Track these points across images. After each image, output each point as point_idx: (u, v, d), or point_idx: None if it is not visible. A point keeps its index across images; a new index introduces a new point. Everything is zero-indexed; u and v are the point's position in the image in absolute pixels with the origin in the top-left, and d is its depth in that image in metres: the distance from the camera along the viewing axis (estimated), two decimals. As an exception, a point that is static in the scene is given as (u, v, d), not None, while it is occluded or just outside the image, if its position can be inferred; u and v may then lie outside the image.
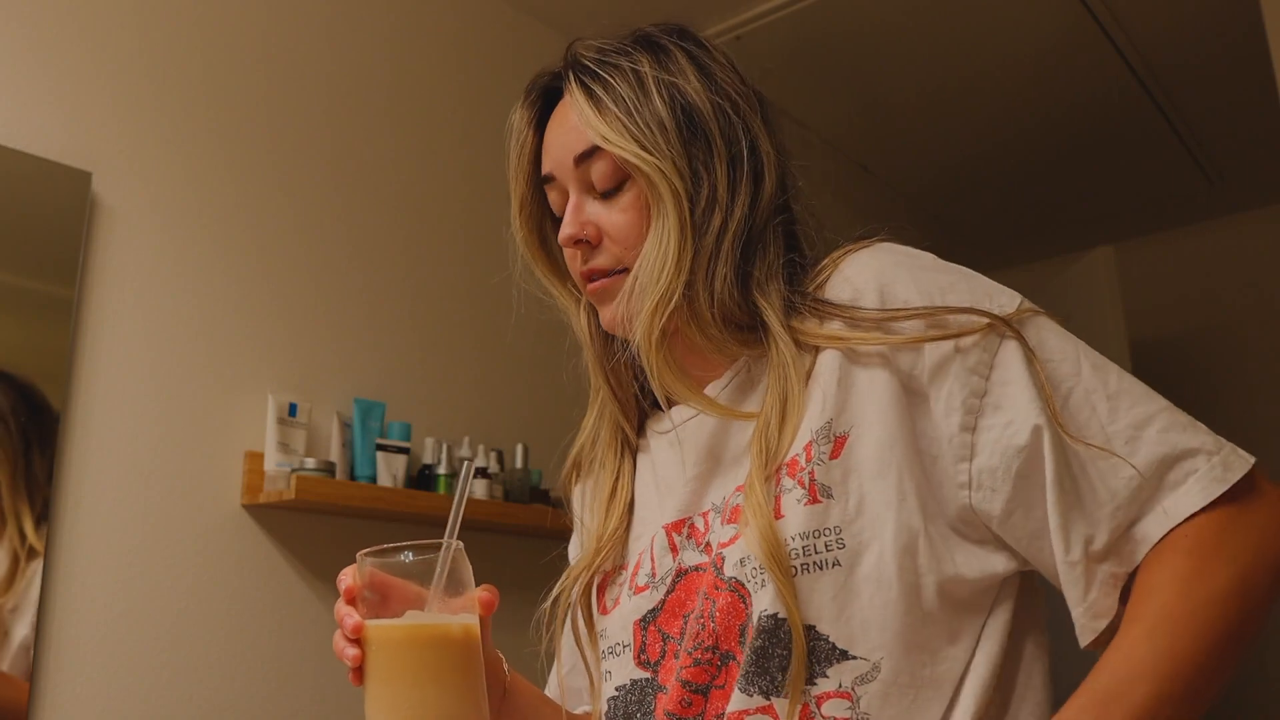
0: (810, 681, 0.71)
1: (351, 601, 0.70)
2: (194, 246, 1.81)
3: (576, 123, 0.81)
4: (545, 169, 0.85)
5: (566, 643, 0.88)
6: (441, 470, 1.99)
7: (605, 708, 0.83)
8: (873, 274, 0.77)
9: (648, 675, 0.80)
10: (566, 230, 0.82)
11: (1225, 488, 0.68)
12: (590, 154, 0.80)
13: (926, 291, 0.75)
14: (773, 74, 2.83)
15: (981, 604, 0.73)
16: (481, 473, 2.07)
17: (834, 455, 0.73)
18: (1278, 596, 0.68)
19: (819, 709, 0.71)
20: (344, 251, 2.05)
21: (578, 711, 0.90)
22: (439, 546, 0.69)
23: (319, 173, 2.03)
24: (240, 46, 1.94)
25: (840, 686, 0.70)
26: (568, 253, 0.85)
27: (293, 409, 1.84)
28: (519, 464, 2.14)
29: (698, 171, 0.79)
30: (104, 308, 1.67)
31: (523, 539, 2.17)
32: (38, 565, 1.53)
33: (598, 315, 0.86)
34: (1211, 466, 0.68)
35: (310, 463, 1.79)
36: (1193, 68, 2.85)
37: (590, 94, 0.80)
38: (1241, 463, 0.69)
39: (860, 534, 0.71)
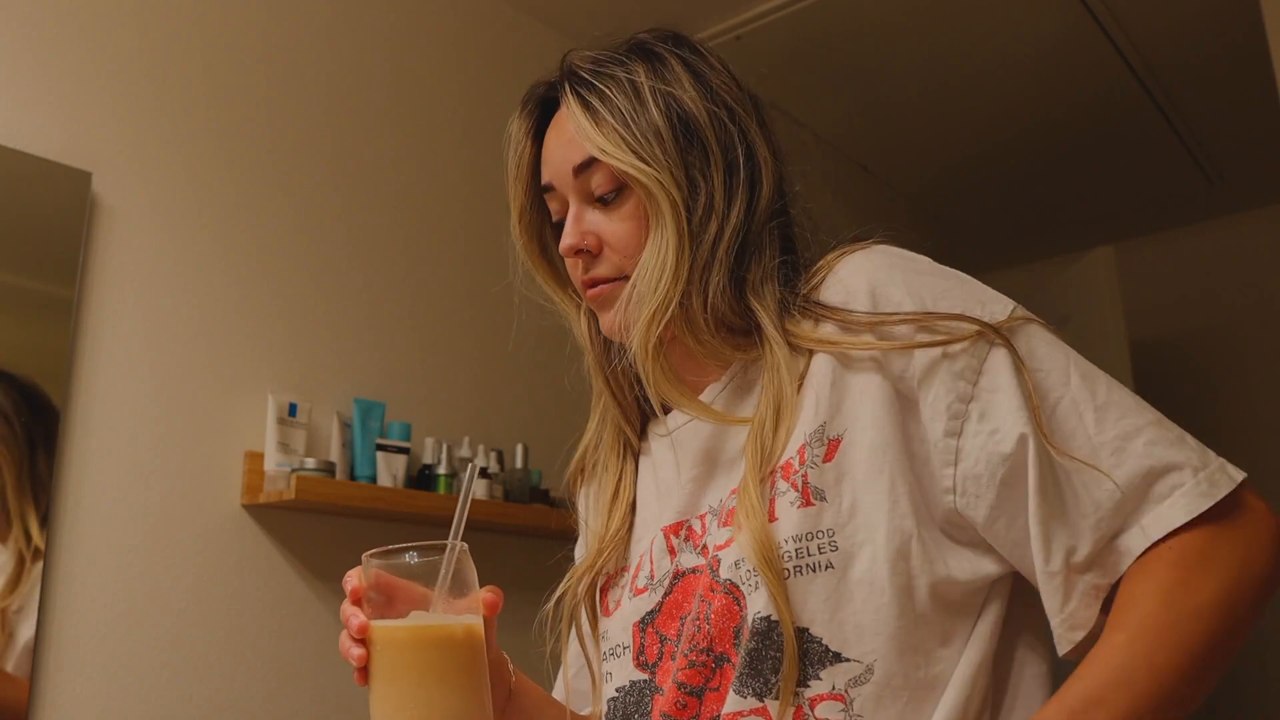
0: (803, 684, 0.71)
1: (357, 602, 0.70)
2: (194, 246, 1.81)
3: (574, 134, 0.81)
4: (545, 179, 0.85)
5: (572, 644, 0.88)
6: (441, 470, 1.99)
7: (605, 709, 0.84)
8: (865, 276, 0.77)
9: (646, 677, 0.81)
10: (567, 241, 0.83)
11: (1209, 504, 0.67)
12: (588, 165, 0.81)
13: (919, 296, 0.75)
14: (773, 74, 2.83)
15: (973, 605, 0.74)
16: (482, 473, 2.07)
17: (827, 458, 0.73)
18: (1261, 613, 0.68)
19: (812, 711, 0.71)
20: (344, 251, 2.05)
21: (584, 713, 0.90)
22: (444, 548, 0.70)
23: (319, 173, 2.03)
24: (240, 46, 1.94)
25: (834, 689, 0.71)
26: (569, 261, 0.86)
27: (293, 409, 1.84)
28: (519, 464, 2.14)
29: (695, 180, 0.79)
30: (104, 308, 1.67)
31: (523, 539, 2.17)
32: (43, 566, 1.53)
33: (598, 320, 0.87)
34: (1197, 482, 0.68)
35: (310, 463, 1.79)
36: (1193, 68, 2.85)
37: (587, 105, 0.81)
38: (1227, 481, 0.69)
39: (853, 537, 0.71)
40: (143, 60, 1.79)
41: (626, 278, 0.81)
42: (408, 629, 0.69)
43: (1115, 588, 0.70)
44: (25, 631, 1.50)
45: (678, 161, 0.79)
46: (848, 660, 0.71)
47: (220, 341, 1.82)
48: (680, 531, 0.83)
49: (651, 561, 0.84)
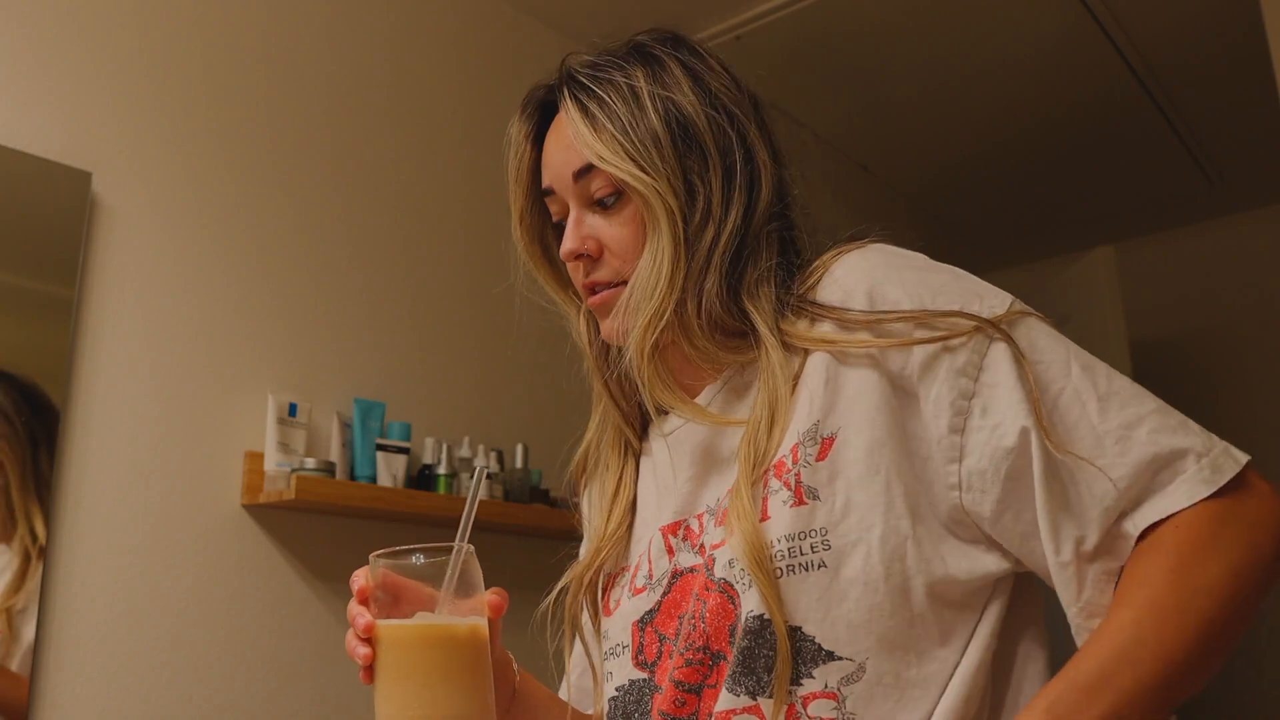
0: (796, 682, 0.71)
1: (364, 601, 0.71)
2: (194, 246, 1.81)
3: (572, 140, 0.81)
4: (545, 182, 0.86)
5: (577, 644, 0.89)
6: (441, 470, 1.99)
7: (606, 708, 0.84)
8: (862, 275, 0.77)
9: (645, 676, 0.81)
10: (567, 245, 0.83)
11: (1214, 489, 0.68)
12: (587, 170, 0.81)
13: (916, 293, 0.75)
14: (773, 74, 2.83)
15: (974, 604, 0.74)
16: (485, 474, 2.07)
17: (820, 457, 0.73)
18: (1266, 593, 0.68)
19: (805, 709, 0.71)
20: (344, 251, 2.05)
21: (590, 712, 0.91)
22: (450, 549, 0.71)
23: (319, 173, 2.03)
24: (240, 46, 1.94)
25: (826, 687, 0.71)
26: (569, 265, 0.86)
27: (293, 409, 1.84)
28: (519, 464, 2.14)
29: (693, 185, 0.80)
30: (104, 308, 1.67)
31: (523, 539, 2.17)
32: (40, 565, 1.53)
33: (597, 322, 0.87)
34: (1200, 468, 0.69)
35: (310, 463, 1.79)
36: (1193, 68, 2.85)
37: (585, 111, 0.81)
38: (1232, 464, 0.69)
39: (846, 535, 0.72)
40: (143, 60, 1.79)
41: (626, 283, 0.81)
42: (413, 629, 0.70)
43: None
44: (30, 630, 1.50)
45: (675, 168, 0.79)
46: (840, 659, 0.71)
47: (220, 341, 1.82)
48: (678, 531, 0.83)
49: (650, 561, 0.84)
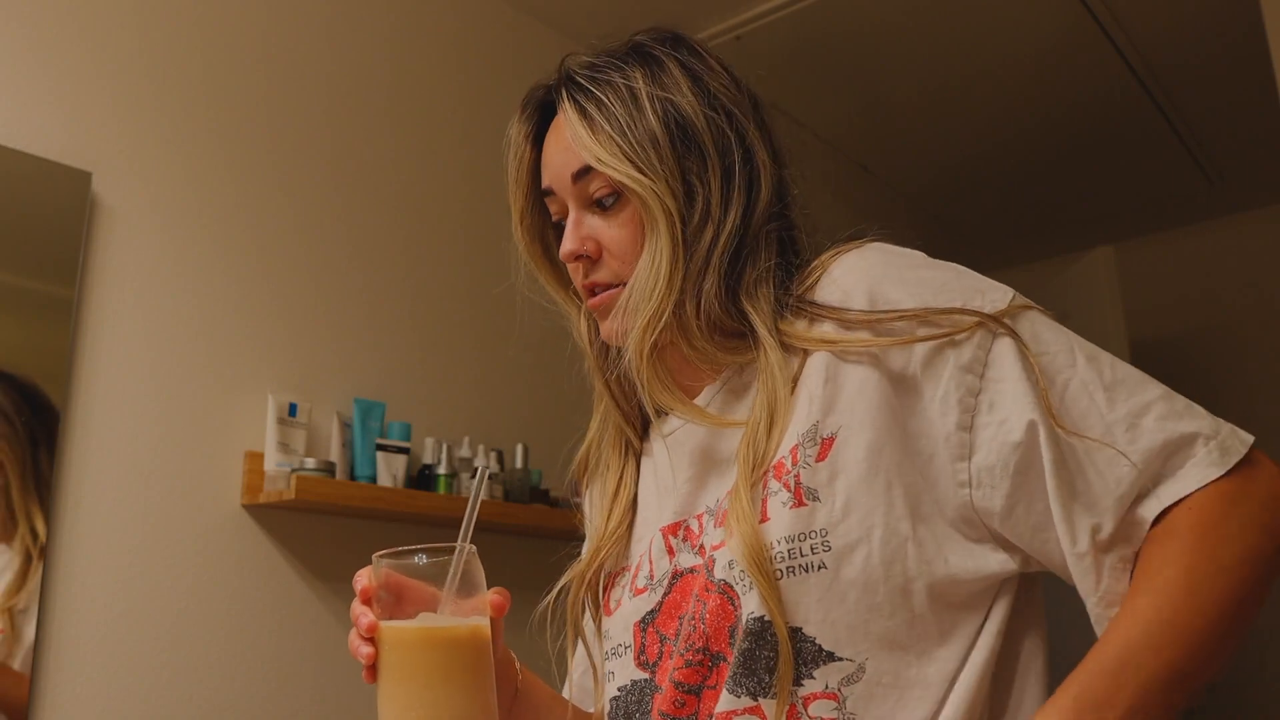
0: (797, 683, 0.71)
1: (367, 601, 0.72)
2: (194, 246, 1.81)
3: (571, 142, 0.82)
4: (544, 183, 0.86)
5: (579, 643, 0.89)
6: (441, 470, 1.99)
7: (608, 707, 0.84)
8: (861, 275, 0.77)
9: (646, 676, 0.81)
10: (567, 246, 0.83)
11: (1224, 470, 0.68)
12: (586, 171, 0.81)
13: (917, 291, 0.75)
14: (773, 74, 2.83)
15: (976, 605, 0.74)
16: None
17: (820, 458, 0.73)
18: None
19: (805, 710, 0.71)
20: (344, 251, 2.05)
21: (591, 711, 0.91)
22: (453, 549, 0.71)
23: (319, 173, 2.03)
24: (240, 46, 1.94)
25: (827, 687, 0.71)
26: (569, 266, 0.86)
27: (293, 409, 1.84)
28: (519, 464, 2.14)
29: (691, 186, 0.80)
30: (104, 308, 1.67)
31: (522, 539, 2.17)
32: (40, 565, 1.53)
33: (597, 322, 0.87)
34: (1210, 450, 0.69)
35: (310, 463, 1.79)
36: (1193, 68, 2.85)
37: (583, 113, 0.81)
38: (1239, 444, 0.70)
39: (846, 536, 0.71)
40: (143, 60, 1.79)
41: (625, 284, 0.82)
42: (415, 630, 0.70)
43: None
44: (30, 629, 1.50)
45: (674, 169, 0.79)
46: (840, 659, 0.71)
47: (220, 341, 1.82)
48: (679, 531, 0.83)
49: (651, 561, 0.84)
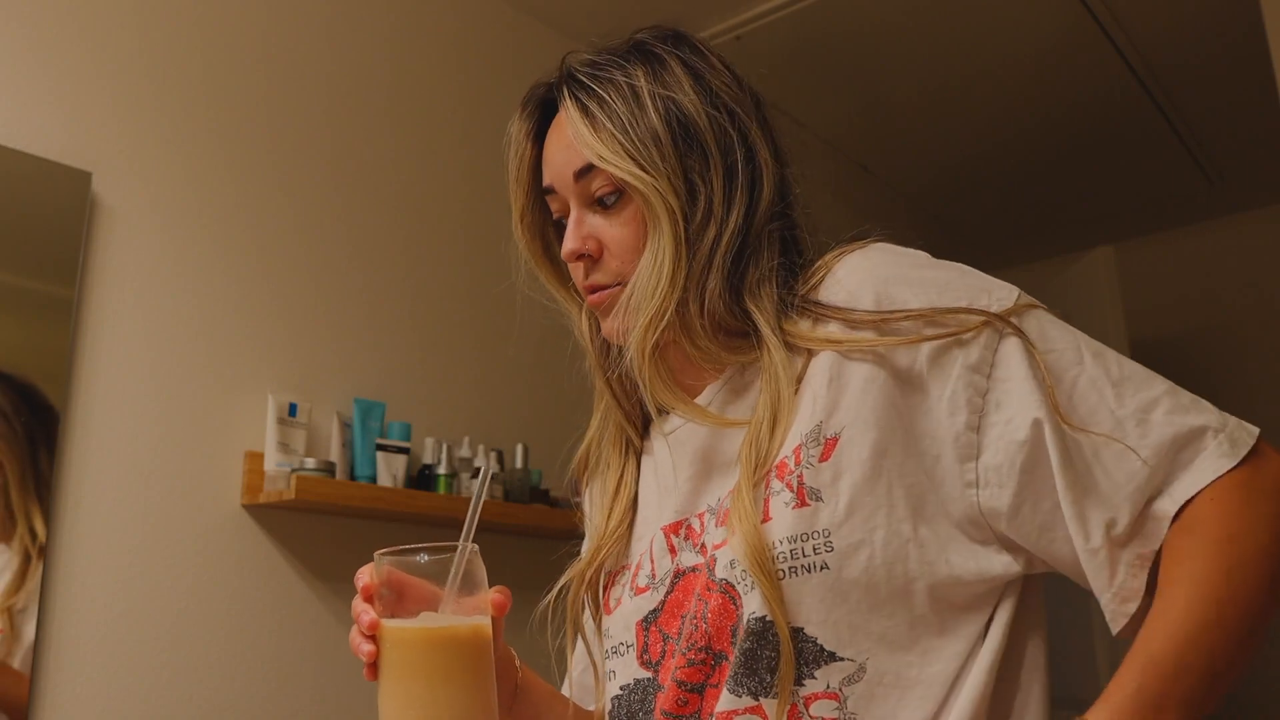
0: (798, 682, 0.71)
1: (369, 599, 0.72)
2: (194, 246, 1.81)
3: (572, 140, 0.81)
4: (546, 180, 0.86)
5: (579, 641, 0.89)
6: (441, 470, 1.99)
7: (610, 706, 0.84)
8: (867, 275, 0.77)
9: (649, 675, 0.81)
10: (569, 245, 0.83)
11: (1235, 461, 0.69)
12: (588, 170, 0.81)
13: (923, 291, 0.75)
14: (773, 74, 2.83)
15: (979, 606, 0.73)
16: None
17: (823, 458, 0.73)
18: None
19: (807, 709, 0.71)
20: (344, 251, 2.05)
21: (591, 709, 0.91)
22: (454, 548, 0.71)
23: (319, 173, 2.03)
24: (240, 46, 1.94)
25: (828, 687, 0.71)
26: (570, 265, 0.86)
27: (293, 409, 1.84)
28: (519, 464, 2.14)
29: (693, 184, 0.79)
30: (104, 308, 1.67)
31: (522, 539, 2.17)
32: (39, 565, 1.53)
33: (598, 320, 0.87)
34: (1219, 442, 0.69)
35: (310, 463, 1.79)
36: (1193, 68, 2.85)
37: (585, 111, 0.81)
38: (1247, 436, 0.70)
39: (849, 537, 0.71)
40: (143, 60, 1.79)
41: (625, 283, 0.81)
42: (416, 629, 0.70)
43: (1157, 555, 0.70)
44: (30, 629, 1.50)
45: (676, 167, 0.79)
46: (842, 659, 0.71)
47: (220, 341, 1.82)
48: (680, 530, 0.83)
49: (652, 560, 0.84)
